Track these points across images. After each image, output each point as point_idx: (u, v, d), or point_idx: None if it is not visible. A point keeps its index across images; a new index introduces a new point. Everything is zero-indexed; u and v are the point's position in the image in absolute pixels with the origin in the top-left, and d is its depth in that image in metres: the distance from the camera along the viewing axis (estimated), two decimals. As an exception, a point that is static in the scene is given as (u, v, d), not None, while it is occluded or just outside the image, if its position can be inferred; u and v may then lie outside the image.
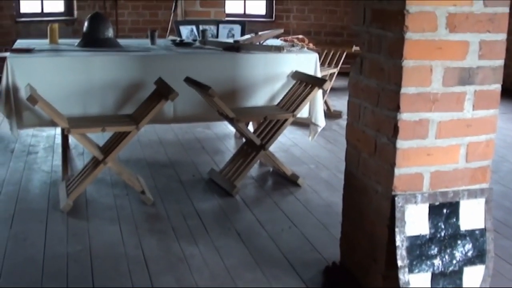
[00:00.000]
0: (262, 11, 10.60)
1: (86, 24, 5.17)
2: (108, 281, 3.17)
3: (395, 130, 2.65)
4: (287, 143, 5.86)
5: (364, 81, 2.92)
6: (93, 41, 5.06)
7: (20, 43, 5.31)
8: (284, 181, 4.75)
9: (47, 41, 5.32)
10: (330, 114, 6.90)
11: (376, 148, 2.83)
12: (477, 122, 2.76)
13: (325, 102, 6.82)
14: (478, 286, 2.82)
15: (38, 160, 5.19)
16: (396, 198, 2.68)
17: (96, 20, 5.15)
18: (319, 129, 5.16)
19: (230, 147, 5.77)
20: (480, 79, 2.70)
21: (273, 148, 4.72)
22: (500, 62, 2.74)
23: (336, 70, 7.12)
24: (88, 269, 3.28)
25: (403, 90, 2.60)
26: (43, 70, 4.50)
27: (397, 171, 2.69)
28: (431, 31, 2.57)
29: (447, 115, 2.69)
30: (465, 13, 2.60)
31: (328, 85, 5.07)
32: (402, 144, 2.66)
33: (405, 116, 2.63)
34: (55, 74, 4.52)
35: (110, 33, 5.12)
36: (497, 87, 2.76)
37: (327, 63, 7.20)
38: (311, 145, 5.79)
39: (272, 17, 10.48)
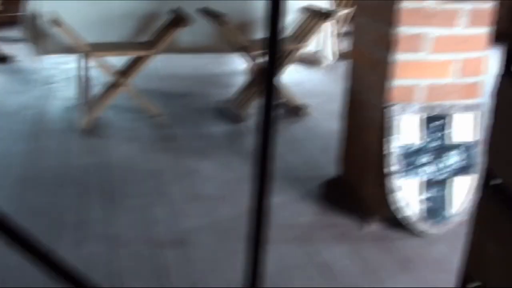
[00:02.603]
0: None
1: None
2: (122, 186, 3.42)
3: (392, 43, 2.83)
4: (298, 79, 6.02)
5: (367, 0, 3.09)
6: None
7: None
8: (291, 110, 4.94)
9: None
10: (343, 55, 7.02)
11: (374, 63, 3.01)
12: (471, 39, 2.91)
13: (338, 42, 6.95)
14: (465, 195, 3.03)
15: (58, 88, 5.42)
16: (390, 108, 2.87)
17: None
18: (328, 63, 5.32)
19: (241, 82, 5.94)
20: (474, -3, 2.86)
21: (283, 82, 4.90)
22: (494, -18, 2.88)
23: (351, 11, 7.19)
24: (104, 177, 3.54)
25: (401, 5, 2.77)
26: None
27: (394, 83, 2.87)
28: (428, -51, 2.72)
29: (442, 30, 2.85)
30: None
31: (339, 17, 5.20)
32: (398, 57, 2.84)
33: (402, 30, 2.80)
34: (76, 2, 4.70)
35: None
36: (489, 5, 2.90)
37: (343, 4, 7.28)
38: (321, 81, 5.96)
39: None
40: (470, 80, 2.98)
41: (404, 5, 2.77)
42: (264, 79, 0.97)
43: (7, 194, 3.30)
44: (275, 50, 1.13)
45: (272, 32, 1.01)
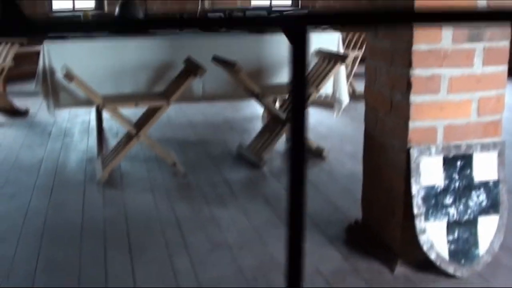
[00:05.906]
0: (289, 2, 10.77)
1: (117, 9, 5.41)
2: (142, 238, 3.39)
3: (408, 86, 2.82)
4: (313, 122, 6.02)
5: (379, 44, 3.09)
6: (124, 25, 5.27)
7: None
8: (309, 154, 4.92)
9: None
10: (355, 96, 7.03)
11: (391, 106, 2.99)
12: (487, 77, 2.90)
13: (350, 84, 6.98)
14: (492, 235, 2.97)
15: (74, 141, 5.45)
16: (411, 150, 2.85)
17: (126, 5, 5.39)
18: (343, 105, 5.32)
19: (258, 127, 5.94)
20: (488, 36, 2.85)
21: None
22: (508, 20, 2.87)
23: (360, 53, 7.24)
24: (124, 229, 3.51)
25: (415, 47, 2.76)
26: (77, 53, 4.74)
27: (412, 125, 2.85)
28: (440, -10, 2.72)
29: (458, 70, 2.84)
30: (472, -28, 2.75)
31: (349, 60, 5.23)
32: (415, 98, 2.82)
33: (417, 72, 2.79)
34: (88, 56, 4.76)
35: (140, 16, 5.35)
36: (505, 44, 2.90)
37: (351, 46, 7.33)
38: (336, 124, 5.96)
39: (298, 7, 10.64)
40: (489, 118, 2.96)
41: (418, 47, 2.77)
42: (292, 121, 0.95)
43: (26, 248, 3.28)
44: (303, 92, 1.11)
45: (297, 74, 0.99)
